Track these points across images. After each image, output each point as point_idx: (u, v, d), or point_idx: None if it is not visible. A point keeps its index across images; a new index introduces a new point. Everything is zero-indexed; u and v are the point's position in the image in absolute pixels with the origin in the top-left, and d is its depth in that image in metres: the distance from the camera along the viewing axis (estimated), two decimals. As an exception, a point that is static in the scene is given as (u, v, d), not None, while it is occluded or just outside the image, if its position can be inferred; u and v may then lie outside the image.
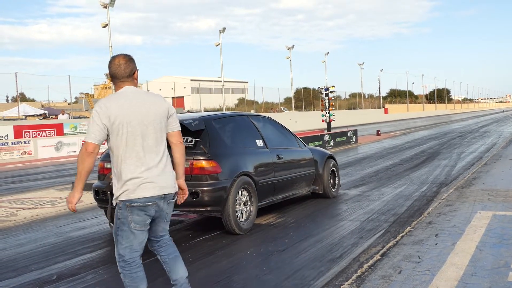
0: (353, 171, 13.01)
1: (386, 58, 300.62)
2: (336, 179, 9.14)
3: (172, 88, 53.94)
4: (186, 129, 6.03)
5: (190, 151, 6.01)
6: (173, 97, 61.37)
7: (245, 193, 6.62)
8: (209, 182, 6.14)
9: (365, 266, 4.97)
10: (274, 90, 53.53)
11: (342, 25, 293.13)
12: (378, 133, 28.16)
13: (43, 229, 7.38)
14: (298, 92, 62.80)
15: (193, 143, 6.24)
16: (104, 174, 6.58)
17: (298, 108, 58.08)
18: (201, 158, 6.15)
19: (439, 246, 5.49)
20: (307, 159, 8.37)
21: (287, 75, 63.93)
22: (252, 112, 49.95)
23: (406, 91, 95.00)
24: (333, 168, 9.01)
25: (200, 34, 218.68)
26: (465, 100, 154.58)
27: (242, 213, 6.57)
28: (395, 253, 5.30)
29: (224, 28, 44.76)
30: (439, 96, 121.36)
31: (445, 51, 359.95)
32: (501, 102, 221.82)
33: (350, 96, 73.02)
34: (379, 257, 5.20)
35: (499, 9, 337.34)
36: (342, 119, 49.75)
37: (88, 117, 40.26)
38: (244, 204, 6.62)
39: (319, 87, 25.65)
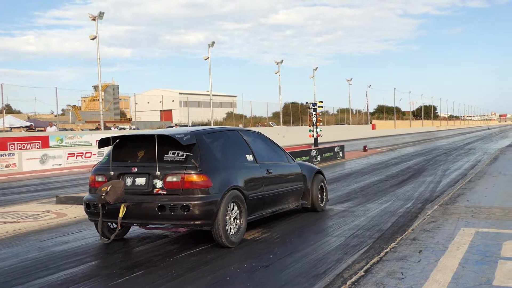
0: (340, 186, 13.05)
1: (374, 75, 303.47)
2: (325, 193, 9.27)
3: (160, 101, 53.90)
4: (177, 143, 6.23)
5: (181, 165, 6.16)
6: (161, 110, 61.34)
7: (235, 207, 6.65)
8: (199, 196, 6.15)
9: (348, 282, 4.97)
10: (262, 105, 53.57)
11: (331, 41, 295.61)
12: (365, 148, 28.31)
13: (25, 244, 7.29)
14: (286, 107, 63.00)
15: (184, 157, 6.27)
16: (95, 187, 6.64)
17: (286, 123, 58.27)
18: (192, 172, 6.16)
19: (422, 263, 5.52)
20: (296, 174, 8.41)
21: (276, 90, 64.36)
22: (240, 126, 50.08)
23: (394, 107, 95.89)
24: (322, 183, 9.13)
25: (189, 47, 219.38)
26: (451, 117, 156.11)
27: (232, 227, 6.58)
28: (379, 270, 5.32)
29: (213, 42, 44.94)
30: (426, 112, 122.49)
31: (432, 69, 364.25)
32: (486, 119, 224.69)
33: (338, 111, 73.44)
34: (363, 273, 5.21)
35: (485, 28, 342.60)
36: (330, 134, 50.00)
37: (75, 130, 40.04)
38: (234, 218, 6.63)
39: (307, 102, 25.80)
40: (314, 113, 24.26)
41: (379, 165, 19.12)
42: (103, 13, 32.95)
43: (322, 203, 9.10)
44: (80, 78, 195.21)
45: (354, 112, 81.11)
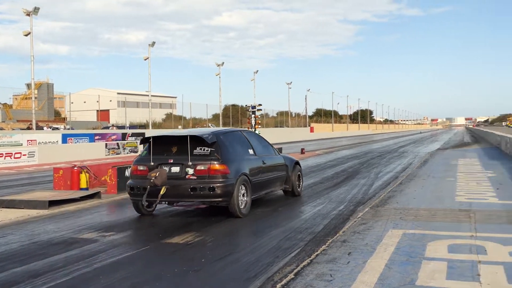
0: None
1: (314, 78, 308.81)
2: (301, 180, 11.61)
3: (97, 101, 52.42)
4: (203, 141, 8.44)
5: (207, 157, 8.38)
6: (97, 110, 59.74)
7: (243, 188, 8.76)
8: (221, 180, 8.26)
9: (278, 285, 5.01)
10: (202, 106, 53.27)
11: (273, 44, 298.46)
12: (302, 151, 28.73)
13: None
14: (226, 109, 63.01)
15: (209, 151, 8.42)
16: (138, 174, 8.73)
17: (226, 124, 58.24)
18: (215, 162, 8.30)
19: (351, 264, 5.64)
20: (281, 164, 10.63)
21: (217, 91, 64.39)
22: (180, 127, 49.62)
23: (332, 111, 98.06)
24: (299, 172, 11.45)
25: (130, 47, 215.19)
26: (386, 121, 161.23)
27: (242, 203, 8.68)
28: (308, 272, 5.39)
29: (154, 42, 44.32)
30: (362, 116, 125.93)
31: (369, 74, 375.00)
32: (419, 123, 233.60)
33: (277, 114, 74.25)
34: (293, 276, 5.27)
35: (420, 36, 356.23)
36: (269, 136, 50.08)
37: (5, 129, 38.34)
38: (243, 196, 8.73)
39: (246, 105, 25.90)
40: (253, 115, 24.39)
41: (315, 168, 19.44)
42: (38, 9, 31.77)
43: (299, 188, 11.34)
44: (13, 75, 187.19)
45: (294, 115, 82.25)
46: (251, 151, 9.54)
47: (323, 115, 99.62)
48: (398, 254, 6.05)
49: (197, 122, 56.07)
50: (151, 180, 8.31)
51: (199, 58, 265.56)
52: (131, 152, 31.35)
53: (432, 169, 17.38)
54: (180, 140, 8.69)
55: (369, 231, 7.38)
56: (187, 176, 8.38)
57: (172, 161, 8.52)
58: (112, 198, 11.85)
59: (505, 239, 6.67)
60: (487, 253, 5.99)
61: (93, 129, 46.59)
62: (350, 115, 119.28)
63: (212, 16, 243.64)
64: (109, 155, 29.59)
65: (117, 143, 31.68)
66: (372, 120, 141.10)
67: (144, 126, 48.42)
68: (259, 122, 24.48)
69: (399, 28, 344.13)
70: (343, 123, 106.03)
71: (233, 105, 66.24)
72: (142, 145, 9.55)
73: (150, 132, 39.68)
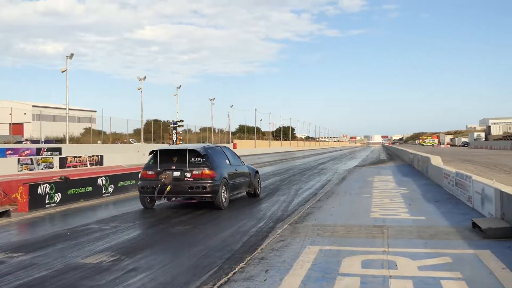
0: (195, 206, 13.02)
1: (237, 95, 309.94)
2: (260, 185, 14.98)
3: (10, 114, 49.92)
4: (197, 153, 11.57)
5: (200, 165, 11.41)
6: (10, 123, 56.78)
7: (224, 188, 11.74)
8: (210, 181, 11.27)
9: (194, 305, 4.94)
10: (123, 121, 52.02)
11: (196, 60, 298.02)
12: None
13: None
14: (148, 124, 61.91)
15: (201, 161, 11.50)
16: (147, 178, 11.76)
17: (147, 140, 57.20)
18: (206, 169, 11.37)
19: (267, 282, 5.67)
20: (247, 172, 13.87)
21: (138, 106, 63.20)
22: (99, 142, 48.17)
23: (254, 127, 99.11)
24: (258, 179, 14.85)
25: (47, 58, 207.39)
26: (307, 138, 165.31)
27: (223, 199, 11.66)
28: (225, 291, 5.36)
29: (72, 54, 43.06)
30: (285, 133, 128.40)
31: (292, 91, 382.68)
32: (338, 141, 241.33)
33: (200, 130, 74.12)
34: (209, 295, 5.22)
35: (339, 55, 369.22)
36: (192, 152, 49.91)
37: None
38: (224, 193, 11.70)
39: (167, 120, 25.61)
40: (174, 131, 24.15)
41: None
42: None
43: (258, 191, 14.68)
44: None
45: (217, 131, 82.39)
46: (227, 161, 12.76)
47: (246, 132, 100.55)
48: (314, 270, 6.16)
49: (117, 138, 54.69)
50: (162, 181, 11.44)
51: (120, 72, 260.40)
52: (46, 167, 30.00)
53: (350, 186, 17.95)
54: (179, 152, 11.92)
55: (287, 248, 7.48)
56: (185, 178, 11.47)
57: (174, 167, 11.57)
58: (22, 217, 11.27)
59: (415, 254, 6.98)
60: (397, 268, 6.23)
61: (5, 143, 44.19)
62: (272, 132, 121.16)
63: (134, 29, 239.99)
64: (21, 171, 28.13)
65: (31, 158, 30.23)
66: (294, 137, 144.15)
67: (61, 140, 46.51)
68: (181, 137, 24.25)
69: (320, 47, 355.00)
70: (266, 139, 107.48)
71: (155, 120, 65.24)
72: (150, 155, 12.28)
73: (67, 147, 38.23)
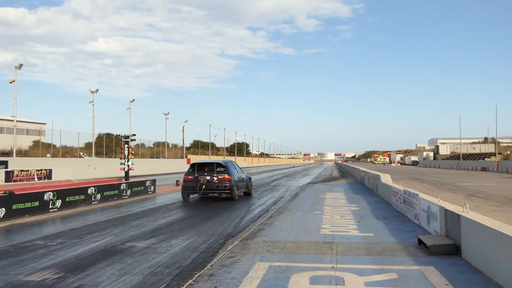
0: (146, 222, 12.87)
1: (191, 110, 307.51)
2: (252, 188, 21.31)
3: (-48, 125, 48.06)
4: (221, 164, 18.35)
5: (223, 172, 17.91)
6: (-47, 135, 54.54)
7: (235, 187, 18.07)
8: (228, 183, 17.72)
9: (139, 323, 4.85)
10: (74, 134, 50.77)
11: (151, 74, 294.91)
12: (177, 183, 28.40)
13: None
14: (100, 138, 60.75)
15: (223, 170, 17.92)
16: (187, 180, 18.24)
17: (99, 154, 56.09)
18: (226, 175, 17.72)
19: (215, 299, 5.63)
20: (245, 179, 20.05)
21: (90, 119, 62.13)
22: (48, 156, 46.85)
23: (209, 143, 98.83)
24: (251, 183, 21.09)
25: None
26: (262, 155, 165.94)
27: (236, 194, 18.02)
28: (172, 308, 5.29)
29: (21, 64, 41.87)
30: (239, 149, 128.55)
31: (247, 107, 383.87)
32: (293, 158, 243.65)
33: (154, 144, 73.11)
34: (156, 313, 5.14)
35: (296, 73, 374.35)
36: (145, 167, 49.41)
37: None
38: (236, 190, 18.09)
39: (119, 134, 25.17)
40: (126, 145, 23.78)
41: (189, 200, 19.32)
42: None
43: (251, 192, 20.97)
44: None
45: (171, 146, 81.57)
46: (236, 171, 19.15)
47: (200, 147, 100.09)
48: (262, 286, 6.17)
49: (67, 151, 53.38)
50: (201, 182, 18.09)
51: (72, 84, 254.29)
52: (-9, 181, 28.91)
53: (302, 202, 18.12)
54: (209, 164, 18.71)
55: (236, 264, 7.46)
56: (213, 181, 17.89)
57: (206, 174, 18.10)
58: (-38, 232, 10.78)
59: (362, 270, 7.10)
60: (345, 284, 6.32)
61: None
62: (227, 148, 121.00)
63: (87, 41, 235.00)
64: (-36, 184, 26.98)
65: (-26, 172, 29.06)
66: (249, 153, 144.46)
67: (8, 153, 44.97)
68: (133, 152, 23.88)
69: (275, 64, 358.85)
70: (220, 155, 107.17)
71: (108, 134, 64.13)
72: (190, 166, 19.29)
73: (14, 160, 36.95)
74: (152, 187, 22.81)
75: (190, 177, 18.58)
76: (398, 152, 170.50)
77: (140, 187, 21.73)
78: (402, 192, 14.30)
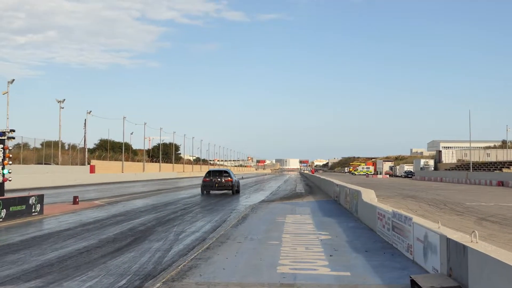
0: (29, 256, 12.65)
1: (98, 96, 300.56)
2: (239, 187, 47.64)
3: None
4: (227, 171, 44.71)
5: (228, 176, 43.30)
6: None
7: (235, 186, 44.45)
8: (231, 183, 43.11)
9: None
10: None
11: (39, 44, 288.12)
12: (75, 200, 28.06)
13: None
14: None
15: (228, 174, 43.59)
16: (205, 181, 42.86)
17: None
18: (229, 178, 43.10)
19: None
20: (236, 180, 45.63)
21: None
22: None
23: (122, 143, 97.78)
24: (239, 184, 48.03)
25: None
26: (198, 161, 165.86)
27: (235, 191, 43.93)
28: None
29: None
30: (166, 153, 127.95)
31: (176, 96, 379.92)
32: (241, 165, 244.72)
33: (43, 145, 71.78)
34: None
35: (247, 49, 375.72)
36: (29, 178, 48.51)
37: None
38: (235, 189, 44.35)
39: (-9, 130, 24.53)
40: (1, 146, 23.21)
41: (92, 225, 19.12)
42: None
43: (239, 191, 45.72)
44: None
45: (67, 147, 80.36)
46: (233, 175, 44.27)
47: (110, 149, 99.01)
48: None
49: None
50: (215, 182, 41.90)
51: None
52: None
53: (252, 228, 18.20)
54: (219, 171, 44.02)
55: (157, 316, 7.41)
56: (223, 181, 41.97)
57: (217, 176, 42.52)
58: None
59: (333, 323, 7.17)
60: None
61: None
62: (148, 151, 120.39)
63: None
64: None
65: None
66: (179, 159, 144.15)
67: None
68: (10, 155, 23.25)
69: (217, 35, 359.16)
70: (139, 161, 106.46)
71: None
72: (206, 172, 44.37)
73: None
74: (39, 205, 22.40)
75: (207, 179, 42.03)
76: (387, 159, 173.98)
77: (21, 206, 21.30)
78: (391, 214, 14.57)
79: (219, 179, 41.93)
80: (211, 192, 42.90)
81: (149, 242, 15.00)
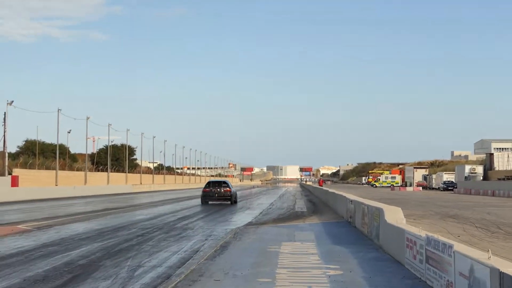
0: None
1: (23, 81, 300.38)
2: (237, 197, 71.29)
3: None
4: (226, 182, 69.25)
5: (226, 187, 64.71)
6: None
7: (234, 196, 67.68)
8: (229, 194, 64.14)
9: None
10: None
11: None
12: (-7, 224, 28.03)
13: None
14: None
15: (227, 185, 66.42)
16: (205, 192, 62.97)
17: None
18: (228, 188, 64.71)
19: None
20: (234, 191, 68.24)
21: None
22: None
23: (57, 145, 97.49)
24: (236, 195, 72.61)
25: None
26: (161, 169, 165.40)
27: (234, 201, 66.59)
28: None
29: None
30: (117, 158, 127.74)
31: (131, 78, 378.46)
32: (219, 175, 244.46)
33: None
34: None
35: (232, 15, 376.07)
36: None
37: None
38: (234, 199, 67.33)
39: None
40: None
41: (14, 258, 19.06)
42: None
43: (236, 201, 67.97)
44: None
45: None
46: (231, 186, 66.80)
47: (39, 153, 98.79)
48: None
49: None
50: (215, 193, 61.59)
51: None
52: None
53: (235, 261, 18.20)
54: (218, 182, 68.21)
55: None
56: (222, 191, 62.00)
57: (217, 186, 63.48)
58: None
59: None
60: None
61: None
62: (92, 156, 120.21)
63: None
64: None
65: None
66: (135, 166, 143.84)
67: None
68: None
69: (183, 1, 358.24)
70: (79, 169, 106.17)
71: None
72: (206, 183, 67.28)
73: None
74: None
75: (207, 189, 59.92)
76: (419, 165, 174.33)
77: None
78: (425, 241, 14.58)
79: (218, 189, 60.01)
80: (210, 202, 60.46)
81: (93, 281, 14.96)
